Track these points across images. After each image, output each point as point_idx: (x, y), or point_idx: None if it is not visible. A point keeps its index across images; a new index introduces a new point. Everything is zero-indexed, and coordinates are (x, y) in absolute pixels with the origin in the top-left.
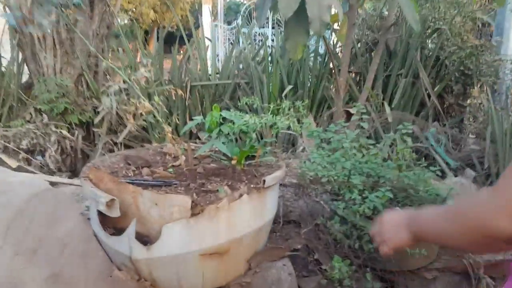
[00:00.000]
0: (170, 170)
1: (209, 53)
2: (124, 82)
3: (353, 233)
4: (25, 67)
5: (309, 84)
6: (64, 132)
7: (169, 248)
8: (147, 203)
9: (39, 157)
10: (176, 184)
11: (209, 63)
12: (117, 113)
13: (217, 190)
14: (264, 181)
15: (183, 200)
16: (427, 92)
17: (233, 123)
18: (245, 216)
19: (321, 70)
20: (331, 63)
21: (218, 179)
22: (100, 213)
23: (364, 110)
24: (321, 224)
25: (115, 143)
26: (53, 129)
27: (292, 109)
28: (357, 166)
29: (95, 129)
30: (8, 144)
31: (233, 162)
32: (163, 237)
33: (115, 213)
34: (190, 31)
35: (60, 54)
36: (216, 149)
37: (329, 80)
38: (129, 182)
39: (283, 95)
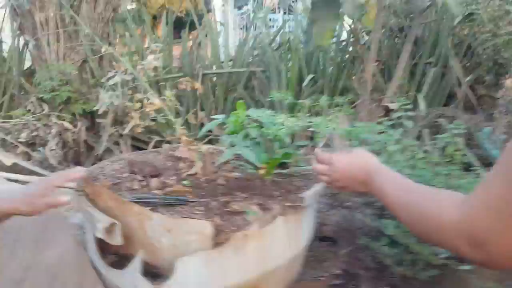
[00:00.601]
0: (185, 182)
1: (220, 39)
2: (127, 72)
3: (406, 258)
4: (28, 52)
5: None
6: (66, 123)
7: (184, 287)
8: (157, 229)
9: (41, 149)
10: (193, 202)
11: (221, 49)
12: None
13: (245, 212)
14: (303, 198)
15: (203, 226)
16: (457, 82)
17: (260, 125)
18: (278, 244)
19: (343, 58)
20: (354, 50)
21: (244, 195)
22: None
23: (410, 106)
24: (362, 244)
25: (121, 135)
26: (55, 120)
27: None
28: (403, 174)
29: (99, 120)
30: (6, 137)
31: (261, 172)
32: (177, 273)
33: (116, 240)
34: (200, 16)
35: (63, 39)
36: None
37: (352, 69)
38: (134, 201)
39: (303, 85)
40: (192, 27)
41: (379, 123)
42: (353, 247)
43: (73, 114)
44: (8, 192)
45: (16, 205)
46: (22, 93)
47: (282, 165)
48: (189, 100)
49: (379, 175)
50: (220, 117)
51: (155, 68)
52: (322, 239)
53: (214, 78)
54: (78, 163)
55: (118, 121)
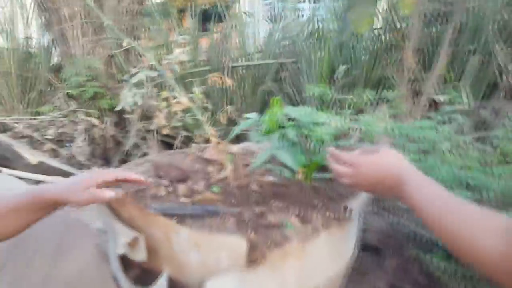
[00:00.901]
0: (215, 189)
1: (248, 30)
2: (153, 67)
3: (463, 273)
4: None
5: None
6: (93, 119)
7: None
8: (184, 244)
9: (69, 144)
10: (224, 213)
11: (249, 41)
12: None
13: (283, 225)
14: (350, 210)
15: (236, 243)
16: (500, 71)
17: (298, 124)
18: (321, 261)
19: (377, 47)
20: (390, 38)
21: (280, 204)
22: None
23: (462, 99)
24: (411, 255)
25: (149, 130)
26: (82, 116)
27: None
28: (456, 175)
29: (126, 116)
30: (33, 134)
31: (299, 176)
32: None
33: (140, 256)
34: (227, 7)
35: (90, 33)
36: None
37: (388, 58)
38: (160, 212)
39: (335, 76)
40: (219, 18)
41: (428, 117)
42: (401, 258)
43: (100, 110)
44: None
45: (59, 192)
46: (50, 89)
47: (323, 169)
48: (217, 95)
49: (410, 180)
50: (253, 116)
51: (182, 63)
52: (365, 248)
53: (243, 71)
54: (106, 159)
55: (146, 116)
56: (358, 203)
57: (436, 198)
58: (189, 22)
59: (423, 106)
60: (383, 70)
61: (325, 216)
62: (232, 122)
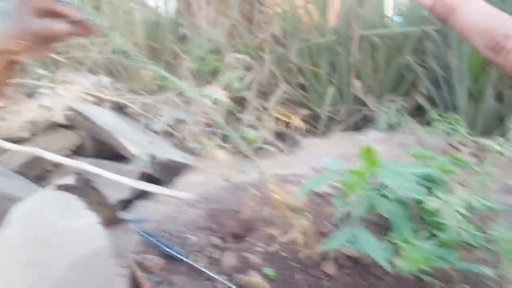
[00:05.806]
0: (268, 271)
1: None
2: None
3: None
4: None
5: None
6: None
7: None
8: None
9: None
10: None
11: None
12: (270, 72)
13: None
14: None
15: None
16: None
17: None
18: None
19: None
20: None
21: None
22: None
23: None
24: None
25: (265, 108)
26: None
27: None
28: None
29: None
30: (146, 114)
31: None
32: None
33: None
34: None
35: (214, 2)
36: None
37: None
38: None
39: None
40: None
41: None
42: None
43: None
44: None
45: None
46: (175, 60)
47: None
48: (342, 66)
49: None
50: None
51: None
52: None
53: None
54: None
55: (263, 93)
56: None
57: None
58: None
59: None
60: None
61: None
62: (358, 101)
